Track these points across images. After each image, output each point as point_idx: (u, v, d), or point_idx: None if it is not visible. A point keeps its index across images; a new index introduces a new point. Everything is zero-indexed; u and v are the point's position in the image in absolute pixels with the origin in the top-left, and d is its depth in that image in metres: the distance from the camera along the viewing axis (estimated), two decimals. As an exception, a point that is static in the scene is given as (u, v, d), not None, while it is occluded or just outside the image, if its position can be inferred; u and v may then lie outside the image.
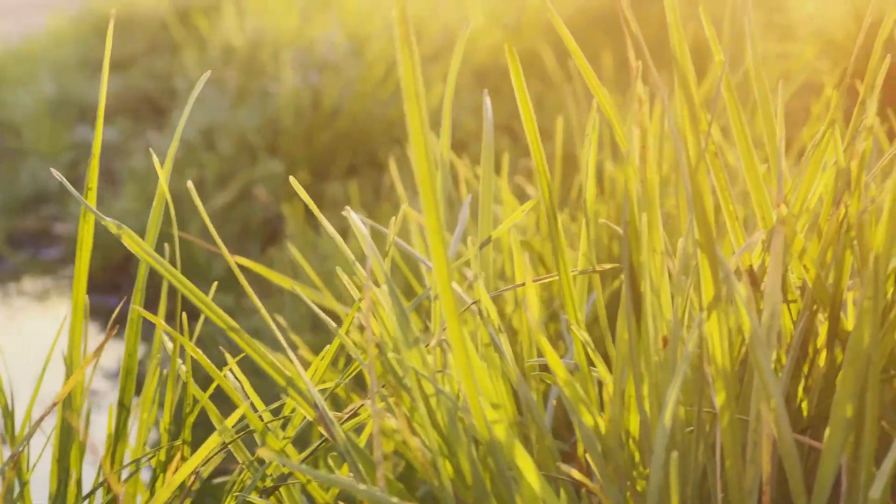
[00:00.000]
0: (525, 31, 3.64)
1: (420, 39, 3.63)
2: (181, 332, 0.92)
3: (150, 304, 0.93)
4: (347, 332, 0.91)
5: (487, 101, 0.95)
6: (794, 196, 0.88)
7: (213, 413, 0.90)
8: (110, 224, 0.83)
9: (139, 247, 0.84)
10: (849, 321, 0.87)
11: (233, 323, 0.82)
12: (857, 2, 2.68)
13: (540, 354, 0.99)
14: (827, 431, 0.74)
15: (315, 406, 0.78)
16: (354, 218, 0.86)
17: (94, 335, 2.85)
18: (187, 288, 0.84)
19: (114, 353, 2.67)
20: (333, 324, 0.86)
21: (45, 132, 4.27)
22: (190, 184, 0.89)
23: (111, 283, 3.46)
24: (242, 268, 0.96)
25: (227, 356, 0.93)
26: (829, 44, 2.60)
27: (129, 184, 3.56)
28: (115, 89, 4.36)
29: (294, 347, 1.60)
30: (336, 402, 1.46)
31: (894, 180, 0.73)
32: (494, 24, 3.75)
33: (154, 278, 3.47)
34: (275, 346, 1.70)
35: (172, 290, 1.56)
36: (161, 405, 0.97)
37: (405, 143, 2.84)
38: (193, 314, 0.93)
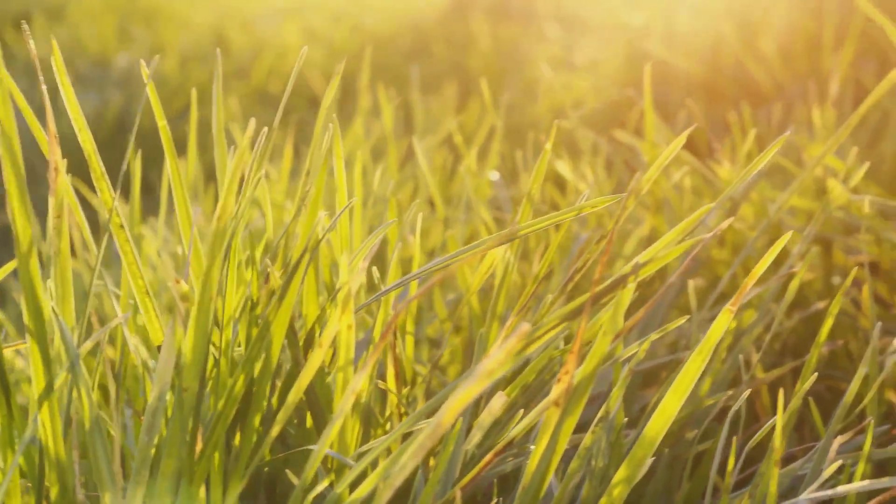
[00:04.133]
0: (341, 51, 3.62)
1: (226, 54, 3.58)
2: None
3: None
4: None
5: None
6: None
7: None
8: None
9: None
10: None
11: None
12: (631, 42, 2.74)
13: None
14: None
15: None
16: None
17: None
18: None
19: None
20: None
21: None
22: None
23: None
24: None
25: None
26: (604, 76, 2.65)
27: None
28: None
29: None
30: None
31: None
32: (312, 42, 3.72)
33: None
34: None
35: None
36: None
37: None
38: None
